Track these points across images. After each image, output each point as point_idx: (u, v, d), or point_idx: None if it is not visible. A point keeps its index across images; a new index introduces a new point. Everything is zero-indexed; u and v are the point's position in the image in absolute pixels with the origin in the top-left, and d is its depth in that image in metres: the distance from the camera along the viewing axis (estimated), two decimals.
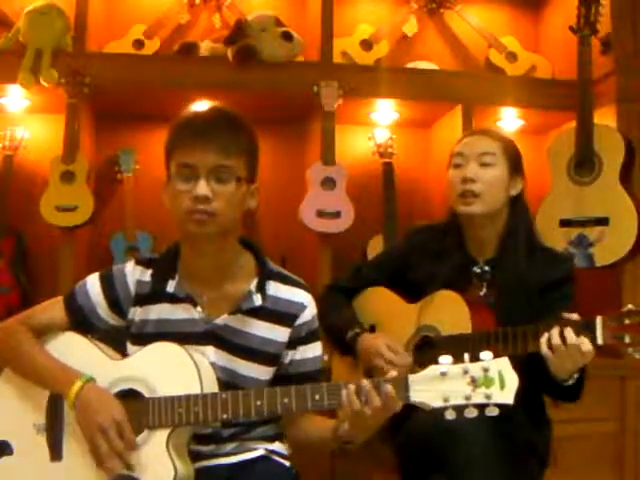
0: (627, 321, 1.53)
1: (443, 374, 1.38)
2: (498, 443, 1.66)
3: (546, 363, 1.64)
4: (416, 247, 2.04)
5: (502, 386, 1.36)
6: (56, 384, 1.56)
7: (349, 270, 2.18)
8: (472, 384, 1.36)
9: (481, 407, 1.36)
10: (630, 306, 1.54)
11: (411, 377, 1.41)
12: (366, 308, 2.07)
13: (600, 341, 1.57)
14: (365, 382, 1.43)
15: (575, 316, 1.63)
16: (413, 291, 1.96)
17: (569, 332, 1.59)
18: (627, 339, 1.52)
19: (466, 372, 1.37)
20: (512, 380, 1.37)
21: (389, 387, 1.41)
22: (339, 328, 1.98)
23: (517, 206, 1.96)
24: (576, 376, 1.67)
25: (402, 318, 1.96)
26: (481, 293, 1.92)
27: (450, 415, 1.37)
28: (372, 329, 2.02)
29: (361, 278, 2.11)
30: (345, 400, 1.43)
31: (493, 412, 1.36)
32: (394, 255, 2.13)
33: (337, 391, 1.46)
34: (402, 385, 1.41)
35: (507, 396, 1.36)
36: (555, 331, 1.61)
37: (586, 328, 1.59)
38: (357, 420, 1.45)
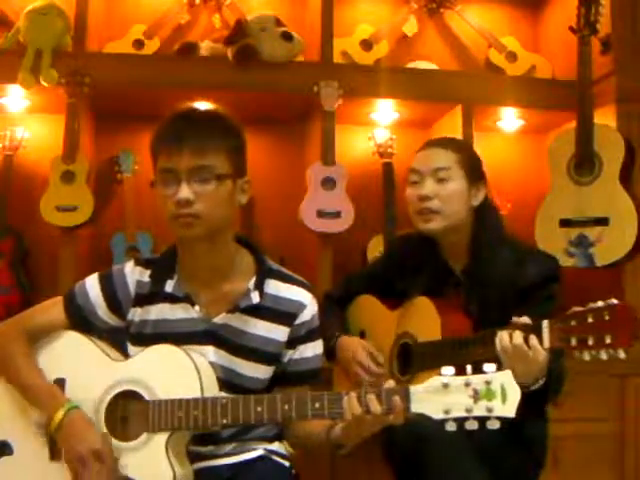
0: (573, 322, 1.50)
1: (445, 385, 1.37)
2: (483, 444, 1.66)
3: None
4: (397, 257, 2.07)
5: (504, 399, 1.34)
6: (41, 407, 1.55)
7: (340, 281, 2.22)
8: (474, 396, 1.35)
9: (482, 420, 1.35)
10: (575, 308, 1.51)
11: (412, 388, 1.40)
12: (356, 315, 2.10)
13: (547, 344, 1.55)
14: (367, 391, 1.43)
15: (525, 319, 1.62)
16: (399, 299, 1.98)
17: (517, 334, 1.58)
18: (573, 341, 1.49)
19: (468, 384, 1.36)
20: (514, 394, 1.35)
21: (397, 398, 1.40)
22: (325, 334, 1.98)
23: (482, 213, 1.93)
24: (540, 384, 1.63)
25: (384, 324, 1.98)
26: (459, 302, 1.90)
27: (450, 427, 1.36)
28: (362, 335, 2.05)
29: (350, 288, 2.14)
30: (346, 406, 1.42)
31: (494, 425, 1.34)
32: (378, 266, 2.17)
33: (338, 400, 1.45)
34: (403, 396, 1.40)
35: (509, 410, 1.34)
36: (505, 334, 1.60)
37: (534, 331, 1.57)
38: (353, 426, 1.44)
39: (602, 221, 2.69)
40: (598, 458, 2.65)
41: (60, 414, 1.51)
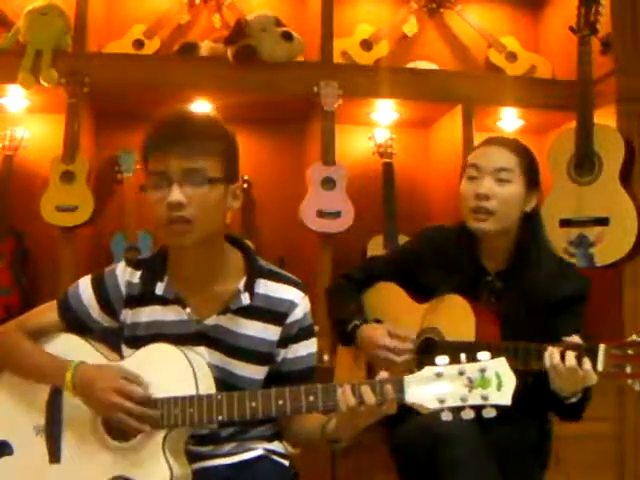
0: (630, 351, 1.50)
1: (439, 375, 1.36)
2: (492, 446, 1.67)
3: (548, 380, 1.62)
4: (429, 249, 1.99)
5: (499, 387, 1.33)
6: (51, 378, 1.57)
7: (361, 263, 2.16)
8: (468, 385, 1.34)
9: (478, 408, 1.34)
10: (634, 337, 1.51)
11: (406, 378, 1.39)
12: (375, 302, 2.05)
13: (600, 368, 1.54)
14: (360, 382, 1.43)
15: (576, 339, 1.61)
16: (422, 292, 1.94)
17: (570, 355, 1.57)
18: (628, 369, 1.50)
19: (462, 373, 1.35)
20: (509, 380, 1.34)
21: (389, 387, 1.40)
22: (342, 320, 1.97)
23: (531, 220, 1.90)
24: (580, 395, 1.65)
25: (408, 317, 1.94)
26: (490, 304, 1.88)
27: (446, 417, 1.35)
28: (378, 322, 2.00)
29: (372, 272, 2.08)
30: (341, 397, 1.42)
31: (490, 413, 1.33)
32: (407, 253, 2.08)
33: (332, 392, 1.44)
34: (397, 386, 1.40)
35: (504, 397, 1.33)
36: (556, 352, 1.58)
37: (588, 353, 1.56)
38: (347, 419, 1.44)
39: (602, 221, 2.69)
40: (598, 458, 2.65)
41: (68, 377, 1.52)
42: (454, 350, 1.77)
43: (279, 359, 1.62)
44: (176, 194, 1.47)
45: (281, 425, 1.66)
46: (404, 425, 1.68)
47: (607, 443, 2.68)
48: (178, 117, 1.56)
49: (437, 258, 1.96)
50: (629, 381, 1.50)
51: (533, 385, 1.63)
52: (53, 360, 1.59)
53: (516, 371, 1.37)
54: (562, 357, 1.57)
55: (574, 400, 1.65)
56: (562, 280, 1.85)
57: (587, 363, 1.56)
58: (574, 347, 1.58)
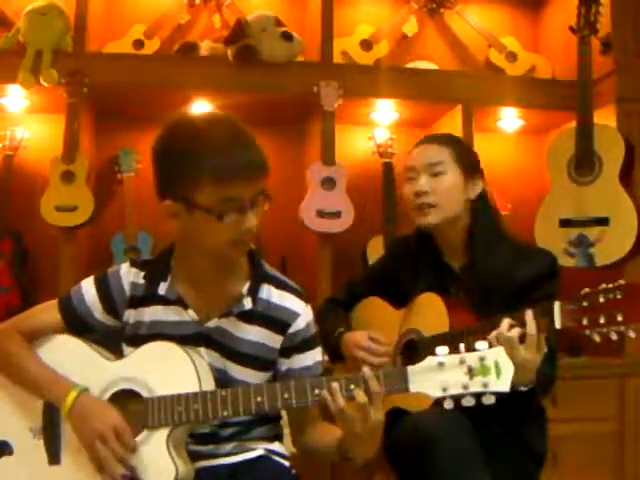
0: (585, 303, 1.51)
1: (441, 364, 1.40)
2: (485, 443, 1.67)
3: None
4: (395, 259, 2.07)
5: (498, 374, 1.38)
6: (50, 395, 1.55)
7: (343, 285, 2.21)
8: (469, 373, 1.38)
9: (478, 396, 1.38)
10: (587, 289, 1.52)
11: (410, 368, 1.42)
12: (360, 318, 2.10)
13: (558, 325, 1.55)
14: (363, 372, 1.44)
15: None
16: (402, 300, 1.98)
17: (514, 330, 1.57)
18: (585, 321, 1.50)
19: (463, 362, 1.39)
20: (508, 368, 1.38)
21: (394, 376, 1.41)
22: (327, 332, 1.98)
23: (478, 207, 1.93)
24: (531, 386, 1.64)
25: (389, 324, 1.98)
26: (463, 298, 1.90)
27: (448, 405, 1.39)
28: None
29: (353, 292, 2.14)
30: (328, 398, 1.42)
31: (490, 400, 1.37)
32: (379, 268, 2.16)
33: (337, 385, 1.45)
34: (401, 376, 1.42)
35: (503, 384, 1.37)
36: (507, 321, 1.59)
37: (545, 313, 1.57)
38: (350, 429, 1.43)
39: (602, 221, 2.69)
40: (598, 458, 2.66)
41: (72, 396, 1.51)
42: (433, 344, 1.78)
43: (283, 369, 1.62)
44: (253, 220, 1.50)
45: (295, 435, 1.67)
46: (395, 427, 1.69)
47: (607, 443, 2.69)
48: (237, 135, 1.51)
49: (405, 265, 2.01)
50: (587, 331, 1.51)
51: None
52: (52, 377, 1.56)
53: None
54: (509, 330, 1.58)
55: (523, 389, 1.63)
56: (521, 263, 1.85)
57: (531, 342, 1.56)
58: (533, 310, 1.59)
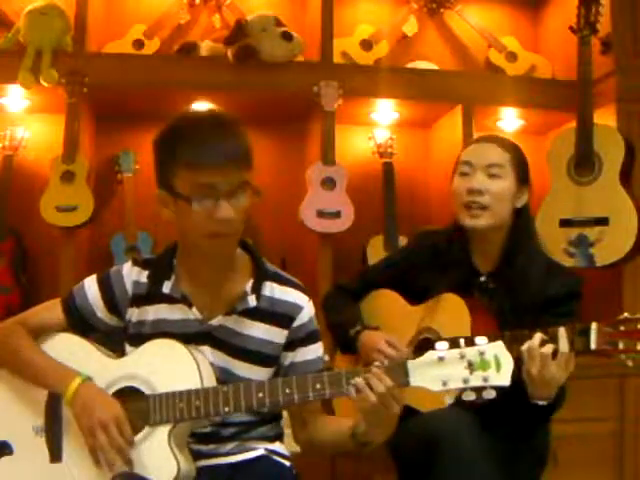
0: (622, 327, 1.53)
1: (441, 359, 1.41)
2: (489, 442, 1.67)
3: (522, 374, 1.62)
4: (422, 253, 2.02)
5: (498, 368, 1.38)
6: (54, 383, 1.56)
7: (355, 274, 2.17)
8: (469, 368, 1.39)
9: (478, 390, 1.38)
10: (626, 314, 1.54)
11: (410, 362, 1.43)
12: (371, 310, 2.06)
13: (594, 346, 1.56)
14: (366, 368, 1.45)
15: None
16: (418, 296, 1.95)
17: (548, 346, 1.58)
18: (621, 345, 1.52)
19: (463, 356, 1.39)
20: (508, 362, 1.39)
21: (396, 370, 1.42)
22: (342, 325, 1.99)
23: (521, 218, 1.92)
24: (551, 400, 1.66)
25: (405, 320, 1.95)
26: (486, 303, 1.89)
27: (449, 399, 1.40)
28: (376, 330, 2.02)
29: (366, 281, 2.10)
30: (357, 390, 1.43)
31: (490, 395, 1.38)
32: (400, 259, 2.11)
33: (338, 379, 1.47)
34: (402, 370, 1.43)
35: (503, 378, 1.38)
36: (539, 336, 1.60)
37: (581, 333, 1.58)
38: (370, 415, 1.45)
39: (602, 221, 2.69)
40: (598, 458, 2.65)
41: (75, 384, 1.52)
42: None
43: (286, 363, 1.63)
44: (229, 211, 1.46)
45: (297, 431, 1.67)
46: (402, 425, 1.69)
47: (607, 443, 2.68)
48: (217, 124, 1.52)
49: (430, 260, 1.98)
50: (622, 356, 1.52)
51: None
52: (57, 365, 1.58)
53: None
54: (542, 345, 1.59)
55: (543, 403, 1.65)
56: (552, 278, 1.86)
57: (563, 355, 1.58)
58: (567, 328, 1.60)
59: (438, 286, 1.90)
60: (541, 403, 1.65)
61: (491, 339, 1.40)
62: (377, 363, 1.47)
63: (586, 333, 1.57)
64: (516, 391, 1.56)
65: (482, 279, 1.92)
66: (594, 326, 1.57)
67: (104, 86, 2.79)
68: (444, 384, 1.40)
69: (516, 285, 1.86)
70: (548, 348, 1.58)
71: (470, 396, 1.39)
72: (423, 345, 1.90)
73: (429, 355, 1.42)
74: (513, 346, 1.64)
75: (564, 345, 1.58)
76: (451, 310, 1.85)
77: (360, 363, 1.97)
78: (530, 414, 1.72)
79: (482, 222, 1.87)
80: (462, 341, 1.40)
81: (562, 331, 1.59)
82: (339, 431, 1.58)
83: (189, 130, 1.50)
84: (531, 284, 1.85)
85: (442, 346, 1.41)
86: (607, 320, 1.57)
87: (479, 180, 1.88)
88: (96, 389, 1.53)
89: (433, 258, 1.98)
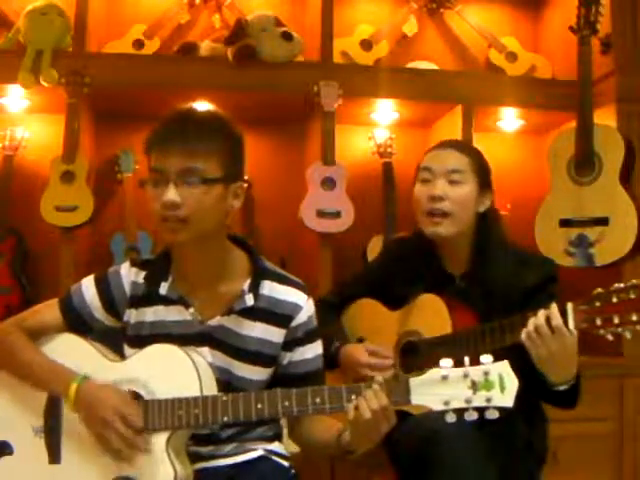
0: (597, 303, 1.52)
1: (444, 377, 1.38)
2: (486, 441, 1.66)
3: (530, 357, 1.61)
4: (391, 262, 2.04)
5: (502, 389, 1.36)
6: (53, 387, 1.56)
7: (334, 287, 2.19)
8: (473, 387, 1.37)
9: (481, 410, 1.37)
10: (599, 289, 1.53)
11: (412, 380, 1.41)
12: (353, 322, 2.07)
13: (572, 326, 1.55)
14: (366, 384, 1.43)
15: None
16: (398, 303, 1.95)
17: (555, 315, 1.56)
18: (598, 321, 1.51)
19: (466, 375, 1.37)
20: (512, 383, 1.37)
21: (397, 388, 1.41)
22: (324, 341, 1.97)
23: (486, 220, 1.91)
24: (572, 383, 1.66)
25: (387, 326, 1.95)
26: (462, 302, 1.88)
27: (451, 418, 1.38)
28: (360, 341, 2.02)
29: (344, 294, 2.11)
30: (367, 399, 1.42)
31: (493, 415, 1.36)
32: (374, 270, 2.13)
33: (339, 394, 1.45)
34: (403, 388, 1.41)
35: (507, 399, 1.36)
36: (541, 314, 1.58)
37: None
38: (359, 427, 1.43)
39: (602, 221, 2.69)
40: (597, 458, 2.66)
41: (74, 385, 1.51)
42: (436, 346, 1.79)
43: (285, 362, 1.62)
44: (171, 194, 1.47)
45: (292, 425, 1.67)
46: (399, 426, 1.69)
47: (606, 443, 2.69)
48: (181, 115, 1.55)
49: (402, 269, 1.98)
50: (601, 331, 1.51)
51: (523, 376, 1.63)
52: (56, 368, 1.57)
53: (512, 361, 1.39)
54: (547, 321, 1.57)
55: (563, 388, 1.65)
56: (526, 270, 1.85)
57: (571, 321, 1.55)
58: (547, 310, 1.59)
59: (415, 292, 1.90)
60: (562, 388, 1.64)
61: (496, 358, 1.39)
62: (379, 379, 1.44)
63: (564, 314, 1.56)
64: (535, 383, 1.57)
65: (455, 283, 1.91)
66: (570, 305, 1.56)
67: (104, 86, 2.79)
68: (446, 403, 1.38)
69: (488, 282, 1.85)
70: (557, 319, 1.55)
71: (472, 416, 1.37)
72: (408, 348, 1.90)
73: (432, 373, 1.40)
74: (507, 335, 1.66)
75: (557, 318, 1.55)
76: (430, 309, 1.85)
77: (349, 379, 1.97)
78: (555, 402, 1.72)
79: (443, 230, 1.86)
80: (467, 359, 1.38)
81: (554, 306, 1.57)
82: (328, 431, 1.57)
83: (163, 121, 1.54)
84: (500, 281, 1.84)
85: (446, 363, 1.39)
86: (582, 298, 1.55)
87: (439, 187, 1.86)
88: (95, 387, 1.53)
89: (405, 266, 1.97)
